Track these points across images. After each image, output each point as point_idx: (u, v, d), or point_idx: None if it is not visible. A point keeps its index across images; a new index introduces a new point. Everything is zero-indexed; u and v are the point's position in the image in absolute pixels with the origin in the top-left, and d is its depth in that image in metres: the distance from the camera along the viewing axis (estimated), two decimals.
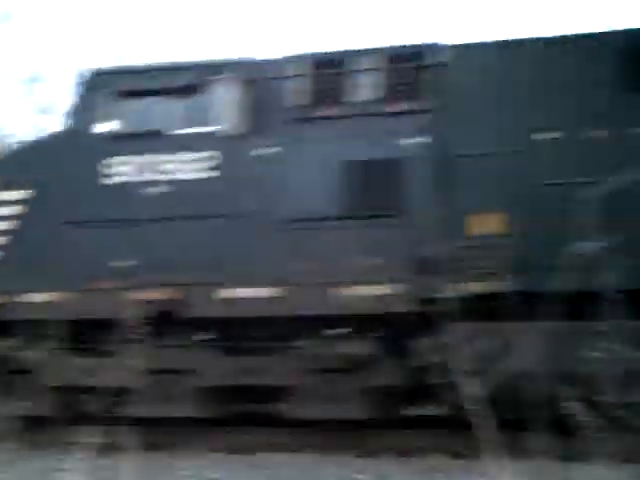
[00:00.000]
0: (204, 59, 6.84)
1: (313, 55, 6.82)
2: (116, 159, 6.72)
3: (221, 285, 6.39)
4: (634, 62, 6.27)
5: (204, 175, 6.56)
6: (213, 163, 6.57)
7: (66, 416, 6.66)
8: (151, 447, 5.93)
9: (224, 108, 6.54)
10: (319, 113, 6.66)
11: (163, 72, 6.74)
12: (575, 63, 6.38)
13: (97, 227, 6.65)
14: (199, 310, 6.42)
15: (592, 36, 6.46)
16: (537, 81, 6.40)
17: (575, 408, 4.37)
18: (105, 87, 6.80)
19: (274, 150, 6.54)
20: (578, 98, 6.30)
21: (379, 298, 6.16)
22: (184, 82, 6.62)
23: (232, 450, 6.51)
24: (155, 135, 6.67)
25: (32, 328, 6.47)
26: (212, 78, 6.57)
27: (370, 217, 6.27)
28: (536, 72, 6.41)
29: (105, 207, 6.68)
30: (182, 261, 6.43)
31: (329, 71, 6.73)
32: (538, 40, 6.58)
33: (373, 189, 6.34)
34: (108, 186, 6.73)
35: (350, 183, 6.39)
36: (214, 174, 6.56)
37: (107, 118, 6.80)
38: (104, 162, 6.75)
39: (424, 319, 6.13)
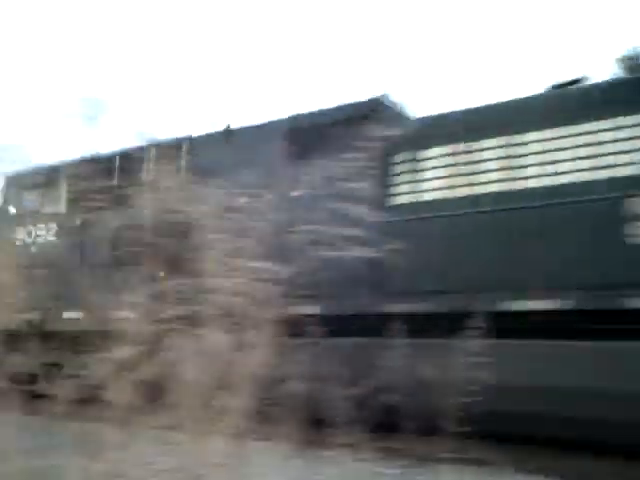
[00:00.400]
0: (45, 164, 10.81)
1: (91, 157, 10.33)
2: (18, 228, 11.16)
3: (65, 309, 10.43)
4: (292, 141, 8.63)
5: (53, 238, 10.66)
6: (55, 230, 10.62)
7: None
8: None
9: (59, 198, 10.55)
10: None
11: (35, 174, 10.93)
12: (258, 144, 8.91)
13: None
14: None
15: (270, 123, 9.03)
16: (239, 161, 9.05)
17: None
18: (15, 184, 11.27)
19: (83, 221, 10.31)
20: (258, 171, 8.84)
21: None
22: (38, 181, 10.77)
23: None
24: (33, 213, 10.97)
25: None
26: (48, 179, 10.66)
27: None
28: (232, 155, 9.07)
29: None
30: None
31: (104, 167, 10.15)
32: (240, 129, 9.26)
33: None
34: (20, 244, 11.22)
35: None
36: (57, 236, 10.61)
37: (15, 203, 11.29)
38: (15, 229, 11.26)
39: None
